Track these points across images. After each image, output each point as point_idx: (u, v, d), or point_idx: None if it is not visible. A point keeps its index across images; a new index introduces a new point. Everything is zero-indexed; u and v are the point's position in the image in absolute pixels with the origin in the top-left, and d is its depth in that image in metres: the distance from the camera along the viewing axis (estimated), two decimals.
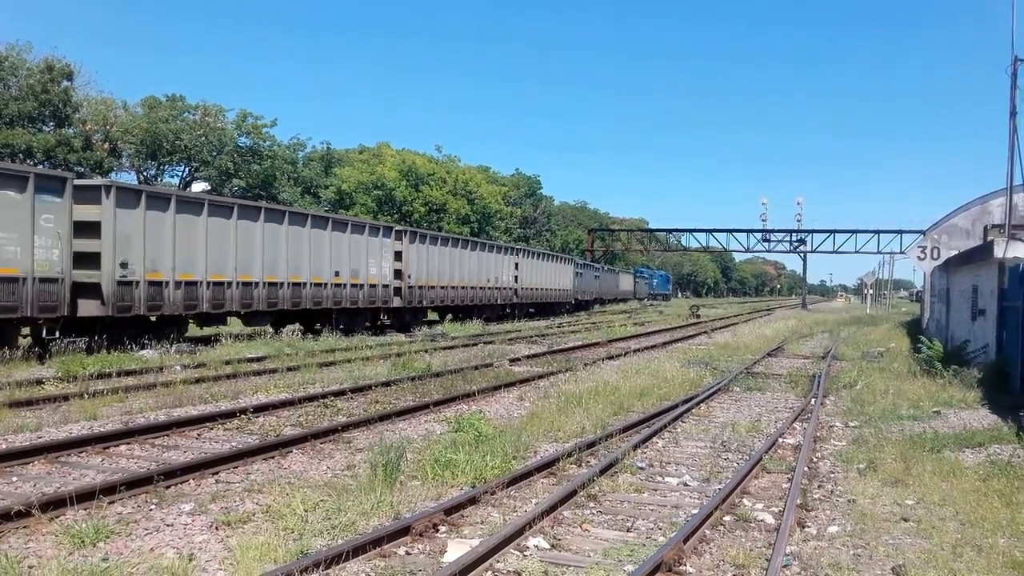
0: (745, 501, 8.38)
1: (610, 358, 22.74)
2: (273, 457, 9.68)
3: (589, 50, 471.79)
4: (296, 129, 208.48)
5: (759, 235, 78.29)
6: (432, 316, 38.22)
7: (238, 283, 23.70)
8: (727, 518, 7.72)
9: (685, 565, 6.29)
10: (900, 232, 70.66)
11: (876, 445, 10.89)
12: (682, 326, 42.00)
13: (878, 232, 72.73)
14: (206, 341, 22.55)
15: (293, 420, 12.22)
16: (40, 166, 36.49)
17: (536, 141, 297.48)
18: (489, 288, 41.88)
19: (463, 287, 38.56)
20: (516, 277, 45.38)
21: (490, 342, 27.33)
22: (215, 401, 13.57)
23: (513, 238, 75.62)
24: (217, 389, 14.44)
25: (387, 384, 15.67)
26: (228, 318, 24.48)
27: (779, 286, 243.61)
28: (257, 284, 24.50)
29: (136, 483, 7.96)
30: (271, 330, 26.38)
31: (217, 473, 8.82)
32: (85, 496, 7.41)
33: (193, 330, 24.06)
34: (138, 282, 20.41)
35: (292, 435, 10.64)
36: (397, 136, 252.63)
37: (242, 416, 11.91)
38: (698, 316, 53.29)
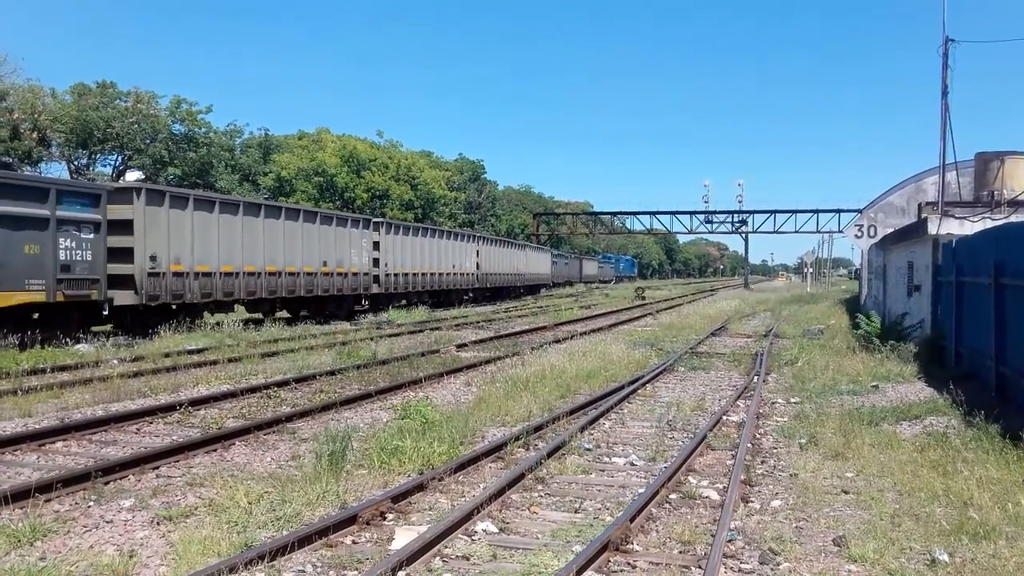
0: (690, 479, 8.49)
1: (557, 341, 22.83)
2: (215, 450, 9.52)
3: (532, 34, 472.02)
4: (233, 115, 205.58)
5: (702, 217, 79.43)
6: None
7: (416, 274, 38.56)
8: (673, 496, 7.80)
9: (632, 543, 6.34)
10: (838, 211, 72.16)
11: (817, 420, 11.11)
12: (628, 308, 42.35)
13: (817, 212, 74.20)
14: (138, 334, 22.02)
15: (236, 412, 12.02)
16: None
17: (479, 125, 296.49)
18: (515, 274, 55.98)
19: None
20: (520, 267, 59.84)
21: (436, 328, 27.23)
22: (154, 394, 13.29)
23: (458, 224, 75.31)
24: (156, 382, 14.13)
25: (332, 373, 15.49)
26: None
27: (722, 267, 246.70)
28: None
29: (73, 480, 7.76)
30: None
31: (157, 468, 8.64)
32: (20, 495, 7.20)
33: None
34: (391, 274, 36.28)
35: (235, 427, 10.47)
36: (337, 121, 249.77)
37: (183, 409, 11.67)
38: (643, 298, 53.78)
